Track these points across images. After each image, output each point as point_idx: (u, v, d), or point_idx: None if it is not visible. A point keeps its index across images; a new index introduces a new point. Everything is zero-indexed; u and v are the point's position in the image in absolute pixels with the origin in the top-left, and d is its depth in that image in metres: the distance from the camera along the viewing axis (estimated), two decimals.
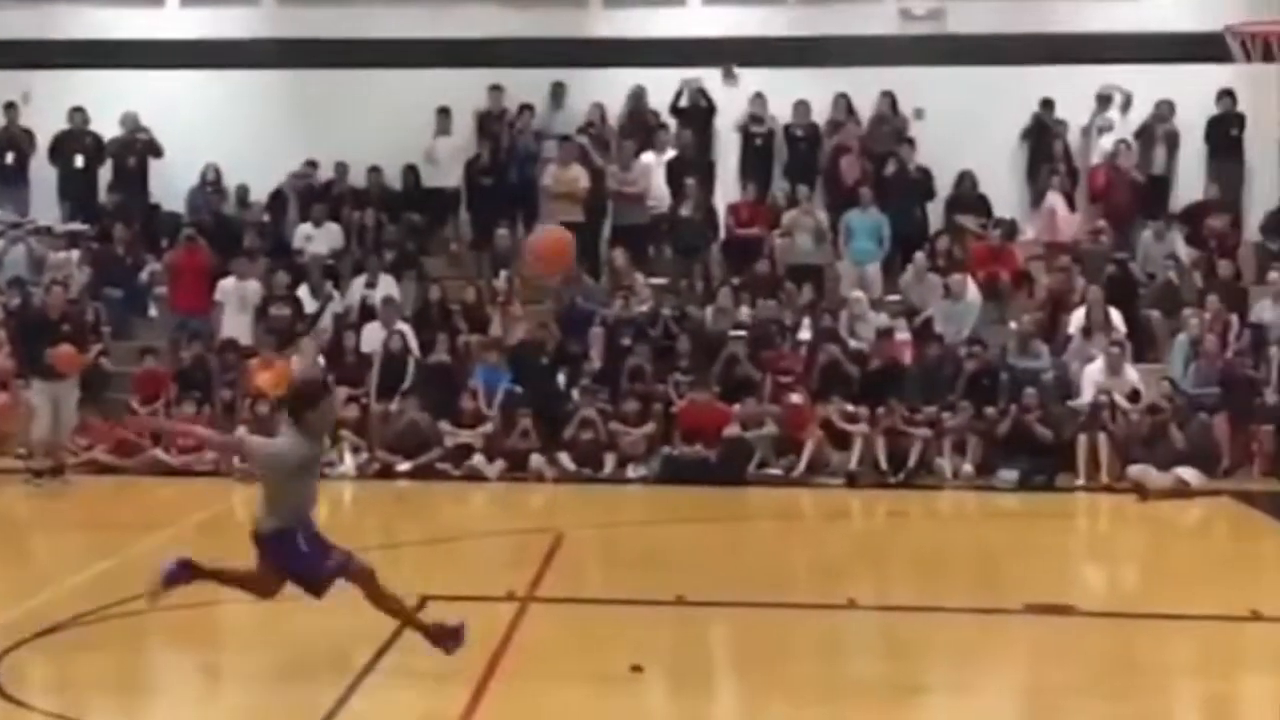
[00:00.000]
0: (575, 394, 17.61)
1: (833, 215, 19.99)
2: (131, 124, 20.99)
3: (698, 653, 9.53)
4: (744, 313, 18.69)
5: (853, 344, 18.17)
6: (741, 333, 18.22)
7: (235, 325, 18.98)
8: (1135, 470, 16.10)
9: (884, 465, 16.75)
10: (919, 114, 20.78)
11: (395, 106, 20.68)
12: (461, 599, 10.57)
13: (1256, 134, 19.93)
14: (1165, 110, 20.20)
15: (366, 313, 19.02)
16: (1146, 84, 20.06)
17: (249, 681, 8.72)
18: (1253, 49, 14.15)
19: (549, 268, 9.39)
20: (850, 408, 17.10)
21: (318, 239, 20.16)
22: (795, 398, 17.20)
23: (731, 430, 16.96)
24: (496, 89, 21.03)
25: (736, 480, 16.50)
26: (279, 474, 8.33)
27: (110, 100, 20.99)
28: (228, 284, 19.13)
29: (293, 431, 8.37)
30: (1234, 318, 17.96)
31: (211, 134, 20.82)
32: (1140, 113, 20.28)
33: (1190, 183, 20.35)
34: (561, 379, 18.08)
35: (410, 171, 20.93)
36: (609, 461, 16.91)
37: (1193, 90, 19.95)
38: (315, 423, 8.38)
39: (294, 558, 8.38)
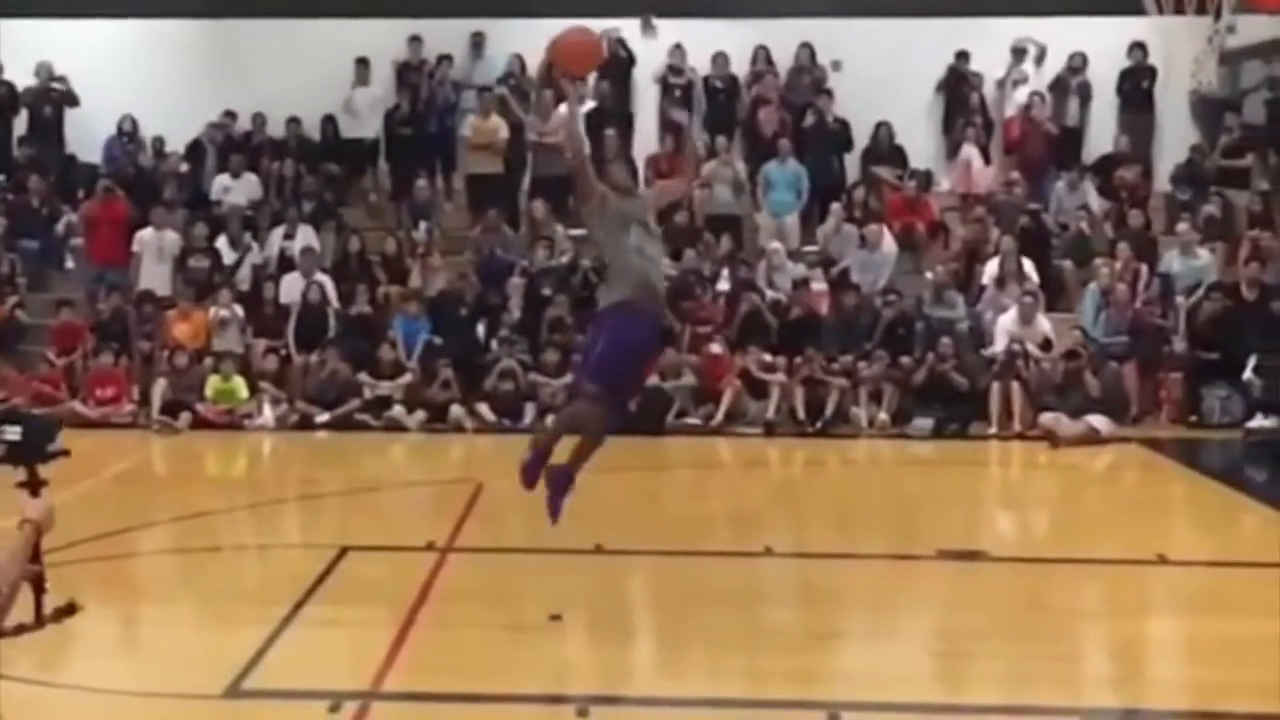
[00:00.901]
0: (495, 345, 17.68)
1: (751, 166, 20.05)
2: (46, 74, 20.73)
3: (616, 601, 9.64)
4: (665, 264, 18.75)
5: (770, 294, 18.30)
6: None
7: (153, 276, 18.86)
8: (1047, 418, 16.28)
9: (801, 414, 16.88)
10: (837, 66, 20.85)
11: (314, 57, 20.53)
12: (381, 549, 10.73)
13: (1167, 86, 20.15)
14: (1078, 63, 20.38)
15: (285, 264, 18.96)
16: (1060, 37, 20.24)
17: (169, 631, 8.77)
18: (1164, 2, 14.30)
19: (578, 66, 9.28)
20: (768, 358, 17.25)
21: (236, 190, 20.03)
22: (714, 348, 17.32)
23: (650, 380, 17.05)
24: (416, 39, 20.94)
25: (655, 430, 16.55)
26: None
27: (24, 49, 20.67)
28: (145, 235, 19.00)
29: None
30: (1144, 268, 18.16)
31: (128, 84, 20.60)
32: (1054, 65, 20.44)
33: (1102, 134, 20.56)
34: (481, 330, 18.13)
35: (329, 122, 20.81)
36: (529, 412, 16.99)
37: (1105, 43, 20.12)
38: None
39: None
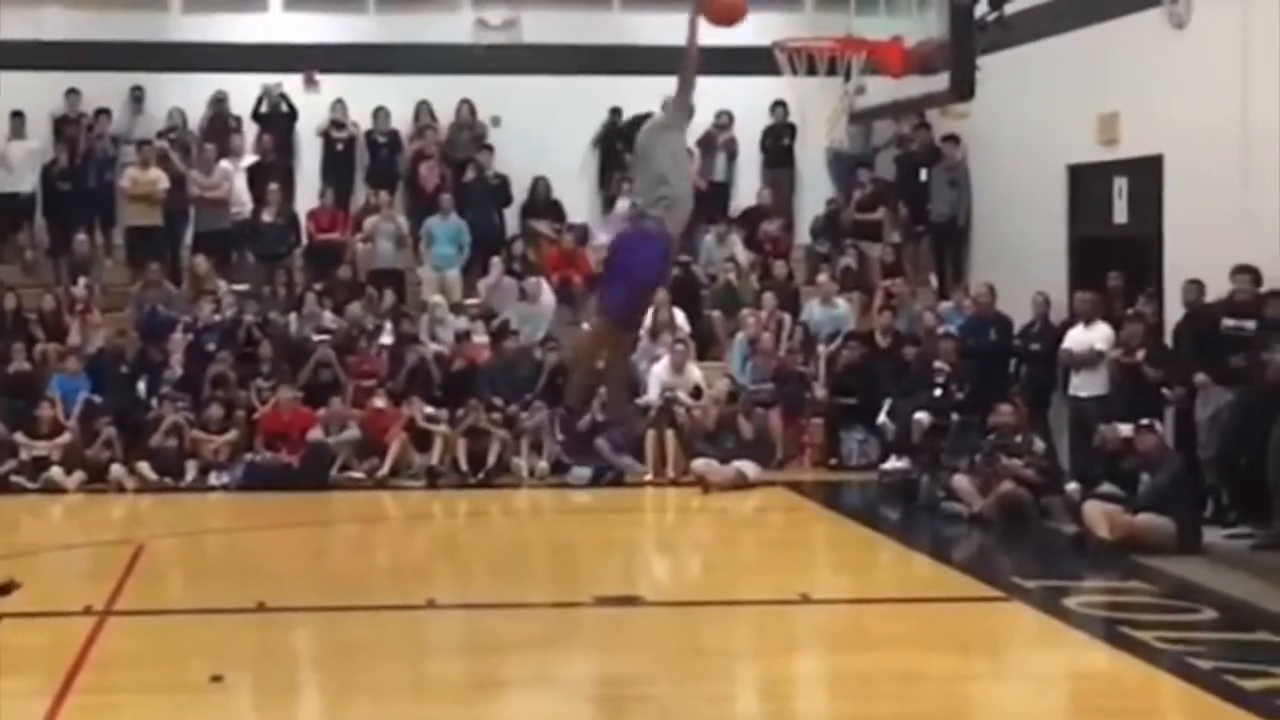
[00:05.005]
0: (156, 402, 17.56)
1: (413, 221, 20.32)
2: None
3: (279, 658, 9.70)
4: (328, 318, 18.90)
5: (434, 347, 18.57)
6: (326, 337, 18.44)
7: None
8: (698, 464, 16.79)
9: (464, 465, 17.16)
10: (496, 121, 21.31)
11: None
12: (37, 615, 10.36)
13: (805, 143, 20.93)
14: (725, 120, 21.09)
15: None
16: (708, 94, 20.78)
17: None
18: (799, 63, 15.11)
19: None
20: (430, 410, 17.53)
21: None
22: (378, 402, 17.55)
23: (315, 435, 17.18)
24: (73, 92, 20.62)
25: (319, 485, 16.71)
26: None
27: None
28: None
29: None
30: (787, 317, 18.91)
31: None
32: (702, 122, 21.20)
33: (747, 189, 21.32)
34: (142, 387, 17.99)
35: None
36: (191, 469, 16.93)
37: (749, 101, 20.79)
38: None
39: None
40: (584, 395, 10.24)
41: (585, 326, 9.23)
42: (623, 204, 20.24)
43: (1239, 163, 14.33)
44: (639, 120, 9.23)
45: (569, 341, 18.64)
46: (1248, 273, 13.73)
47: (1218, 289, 14.16)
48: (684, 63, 8.82)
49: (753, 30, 18.94)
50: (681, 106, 8.98)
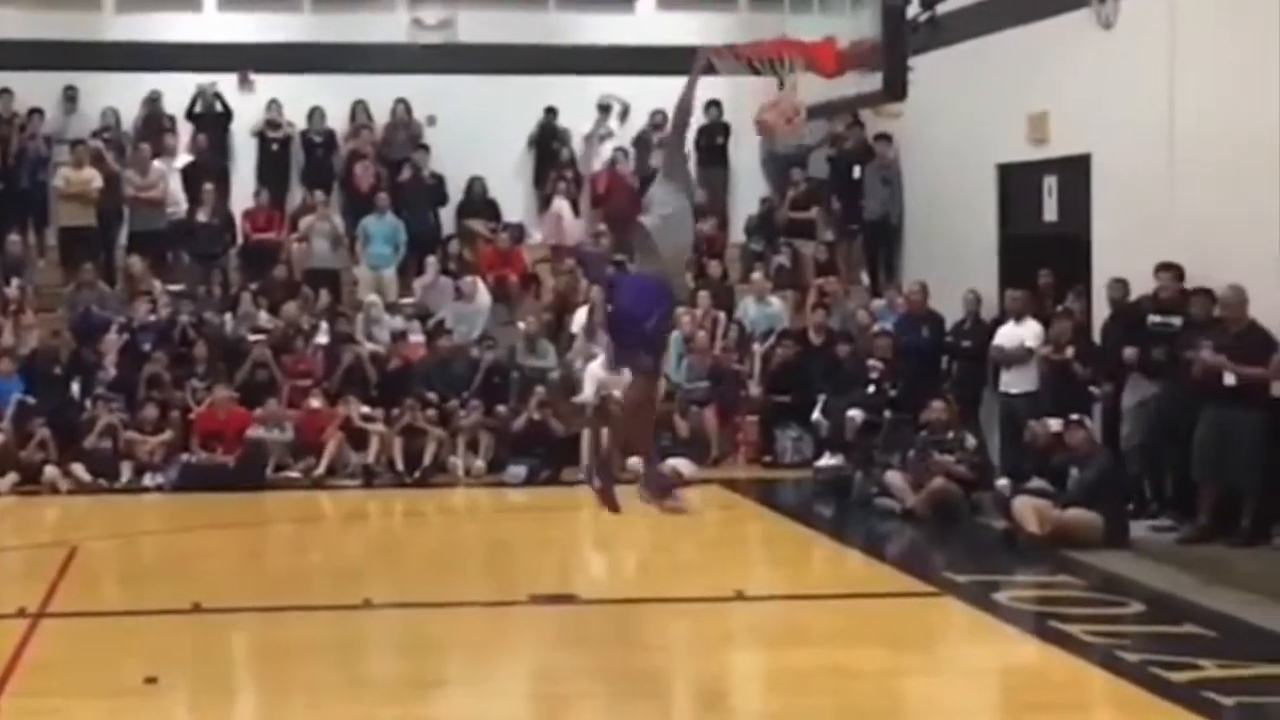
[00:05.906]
0: (90, 403, 17.48)
1: (349, 220, 20.32)
2: None
3: (215, 660, 9.67)
4: (264, 318, 18.87)
5: (370, 346, 18.58)
6: (262, 337, 18.41)
7: None
8: (634, 462, 16.91)
9: (400, 464, 17.20)
10: (431, 121, 21.33)
11: None
12: None
13: (739, 142, 21.06)
14: (660, 119, 20.98)
15: None
16: (643, 94, 20.99)
17: None
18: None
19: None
20: (366, 409, 17.54)
21: None
22: (314, 402, 17.54)
23: (252, 434, 17.15)
24: (5, 92, 20.48)
25: (255, 485, 16.67)
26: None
27: None
28: None
29: None
30: (722, 315, 19.00)
31: None
32: (637, 122, 21.32)
33: None
34: (76, 388, 17.90)
35: None
36: (126, 470, 16.87)
37: None
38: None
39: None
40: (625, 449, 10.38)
41: (620, 393, 9.24)
42: (559, 203, 20.47)
43: (1165, 162, 14.55)
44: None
45: (504, 340, 18.75)
46: (1171, 270, 13.94)
47: (1145, 286, 14.36)
48: (675, 115, 9.23)
49: (686, 31, 19.40)
50: (673, 155, 9.34)
